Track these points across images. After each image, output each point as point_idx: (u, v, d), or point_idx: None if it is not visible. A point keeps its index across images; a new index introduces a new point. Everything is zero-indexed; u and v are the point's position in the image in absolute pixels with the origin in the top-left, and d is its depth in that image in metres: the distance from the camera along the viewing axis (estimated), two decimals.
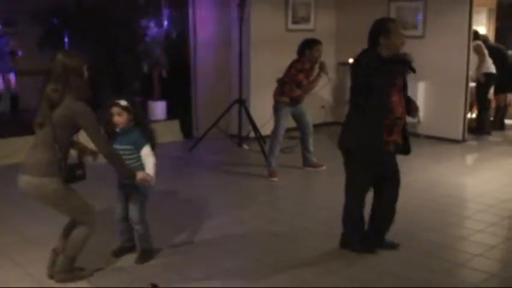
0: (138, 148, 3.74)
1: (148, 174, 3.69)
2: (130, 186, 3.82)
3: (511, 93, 9.13)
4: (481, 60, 8.31)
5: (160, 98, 8.21)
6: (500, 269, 4.06)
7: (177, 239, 4.43)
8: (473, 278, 3.85)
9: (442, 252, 4.26)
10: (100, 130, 3.51)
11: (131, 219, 3.90)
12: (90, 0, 8.71)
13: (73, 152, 3.60)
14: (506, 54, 8.89)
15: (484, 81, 8.45)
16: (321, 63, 6.19)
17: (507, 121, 9.25)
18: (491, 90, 8.76)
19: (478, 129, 8.53)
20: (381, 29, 3.83)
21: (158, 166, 3.82)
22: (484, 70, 8.39)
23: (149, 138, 3.81)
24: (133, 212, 3.87)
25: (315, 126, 6.72)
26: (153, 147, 3.83)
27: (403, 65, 3.83)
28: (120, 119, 3.72)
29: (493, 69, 8.46)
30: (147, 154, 3.75)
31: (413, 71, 3.84)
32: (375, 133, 3.84)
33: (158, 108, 8.20)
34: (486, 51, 8.43)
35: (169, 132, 8.01)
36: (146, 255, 3.99)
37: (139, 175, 3.64)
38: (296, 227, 4.76)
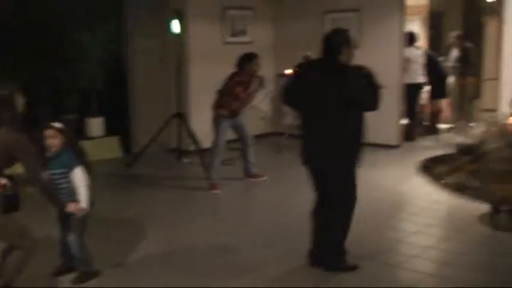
0: (70, 170, 3.69)
1: (78, 206, 3.67)
2: (68, 213, 3.76)
3: (442, 99, 9.48)
4: (404, 72, 8.50)
5: (98, 114, 8.05)
6: (436, 269, 4.19)
7: (120, 257, 4.34)
8: (411, 279, 3.96)
9: (379, 255, 4.35)
10: (36, 160, 3.42)
11: (69, 244, 3.84)
12: (29, 14, 8.46)
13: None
14: (438, 61, 9.21)
15: (411, 91, 8.64)
16: (260, 78, 6.26)
17: (441, 125, 9.57)
18: (420, 99, 9.04)
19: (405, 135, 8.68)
20: (344, 39, 3.95)
21: (93, 187, 3.80)
22: (410, 81, 8.53)
23: (81, 159, 3.77)
24: (71, 237, 3.82)
25: (256, 137, 6.77)
26: (87, 168, 3.79)
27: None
28: (54, 141, 3.66)
29: (420, 79, 8.73)
30: (79, 179, 3.71)
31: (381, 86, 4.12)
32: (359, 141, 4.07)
33: (96, 125, 8.04)
34: (420, 60, 8.67)
35: (107, 148, 7.86)
36: (85, 276, 3.91)
37: (70, 207, 3.64)
38: (240, 239, 4.76)
